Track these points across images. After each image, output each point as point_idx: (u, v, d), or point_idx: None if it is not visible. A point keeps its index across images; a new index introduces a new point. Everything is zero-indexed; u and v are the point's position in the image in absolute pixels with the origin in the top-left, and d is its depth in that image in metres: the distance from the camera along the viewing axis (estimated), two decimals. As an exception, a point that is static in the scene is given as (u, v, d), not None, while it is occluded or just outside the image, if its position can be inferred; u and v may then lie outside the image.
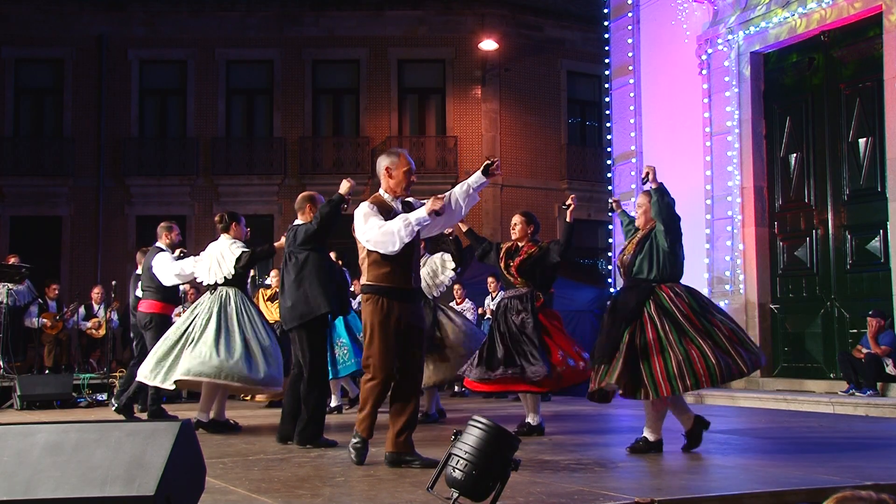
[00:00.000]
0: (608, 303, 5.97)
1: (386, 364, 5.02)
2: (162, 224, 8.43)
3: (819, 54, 11.24)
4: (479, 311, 12.69)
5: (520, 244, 6.93)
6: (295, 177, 19.71)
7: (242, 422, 7.78)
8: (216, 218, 7.80)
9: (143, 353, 8.07)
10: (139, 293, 8.63)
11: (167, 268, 8.01)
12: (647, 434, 5.73)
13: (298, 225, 6.47)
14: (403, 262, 5.11)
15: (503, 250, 7.01)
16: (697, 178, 12.26)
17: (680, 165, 12.62)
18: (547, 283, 6.99)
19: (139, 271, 8.92)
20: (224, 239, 7.56)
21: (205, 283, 7.57)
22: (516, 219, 7.03)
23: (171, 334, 7.46)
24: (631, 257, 5.81)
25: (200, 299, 7.59)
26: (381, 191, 5.28)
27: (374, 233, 5.00)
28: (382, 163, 5.26)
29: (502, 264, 6.95)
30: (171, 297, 8.45)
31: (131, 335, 9.75)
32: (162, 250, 8.18)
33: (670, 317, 5.58)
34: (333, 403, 9.27)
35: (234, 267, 7.36)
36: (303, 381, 6.23)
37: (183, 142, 20.24)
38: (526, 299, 6.78)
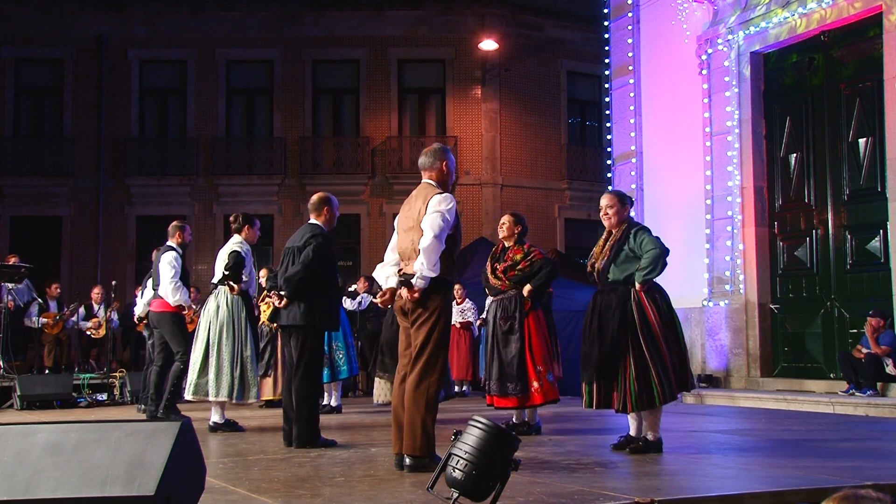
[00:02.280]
0: (589, 306, 5.85)
1: (447, 362, 4.93)
2: (174, 223, 8.44)
3: (819, 54, 11.24)
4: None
5: (506, 244, 6.94)
6: (295, 177, 19.68)
7: (242, 422, 7.79)
8: (231, 218, 7.88)
9: (160, 353, 8.24)
10: (152, 291, 8.66)
11: (166, 273, 8.03)
12: (647, 434, 5.73)
13: (316, 228, 6.32)
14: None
15: (490, 254, 7.04)
16: (697, 178, 12.26)
17: (680, 165, 12.64)
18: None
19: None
20: (233, 238, 7.64)
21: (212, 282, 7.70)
22: (505, 218, 7.04)
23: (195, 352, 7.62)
24: (605, 264, 5.71)
25: (205, 309, 7.67)
26: (435, 185, 5.00)
27: (440, 230, 4.73)
28: (442, 159, 5.04)
29: (489, 266, 6.95)
30: None
31: (145, 333, 9.82)
32: (173, 249, 8.18)
33: (642, 327, 5.55)
34: (333, 403, 9.34)
35: (223, 265, 7.46)
36: (296, 382, 6.16)
37: (183, 142, 20.24)
38: (513, 304, 6.78)
